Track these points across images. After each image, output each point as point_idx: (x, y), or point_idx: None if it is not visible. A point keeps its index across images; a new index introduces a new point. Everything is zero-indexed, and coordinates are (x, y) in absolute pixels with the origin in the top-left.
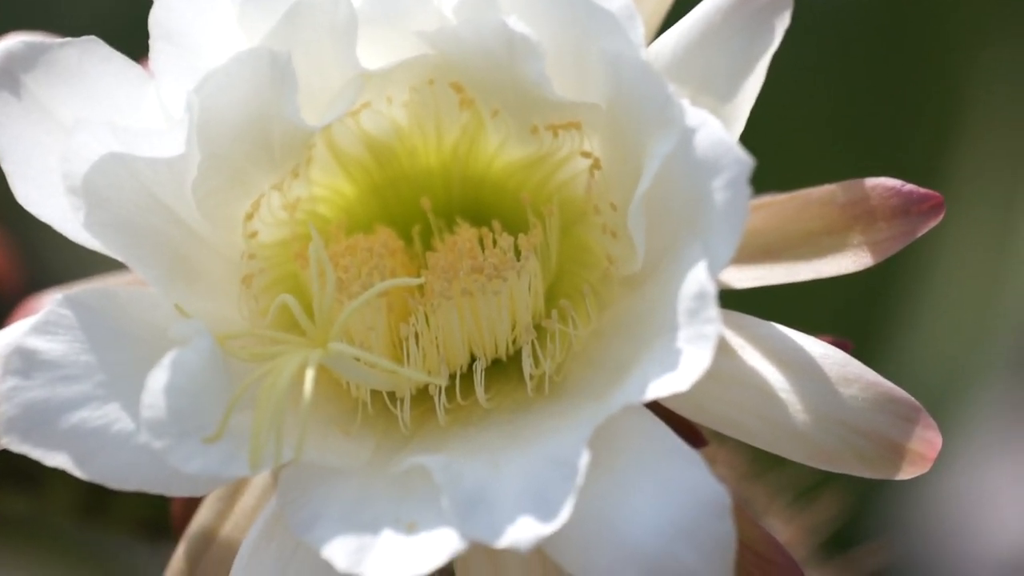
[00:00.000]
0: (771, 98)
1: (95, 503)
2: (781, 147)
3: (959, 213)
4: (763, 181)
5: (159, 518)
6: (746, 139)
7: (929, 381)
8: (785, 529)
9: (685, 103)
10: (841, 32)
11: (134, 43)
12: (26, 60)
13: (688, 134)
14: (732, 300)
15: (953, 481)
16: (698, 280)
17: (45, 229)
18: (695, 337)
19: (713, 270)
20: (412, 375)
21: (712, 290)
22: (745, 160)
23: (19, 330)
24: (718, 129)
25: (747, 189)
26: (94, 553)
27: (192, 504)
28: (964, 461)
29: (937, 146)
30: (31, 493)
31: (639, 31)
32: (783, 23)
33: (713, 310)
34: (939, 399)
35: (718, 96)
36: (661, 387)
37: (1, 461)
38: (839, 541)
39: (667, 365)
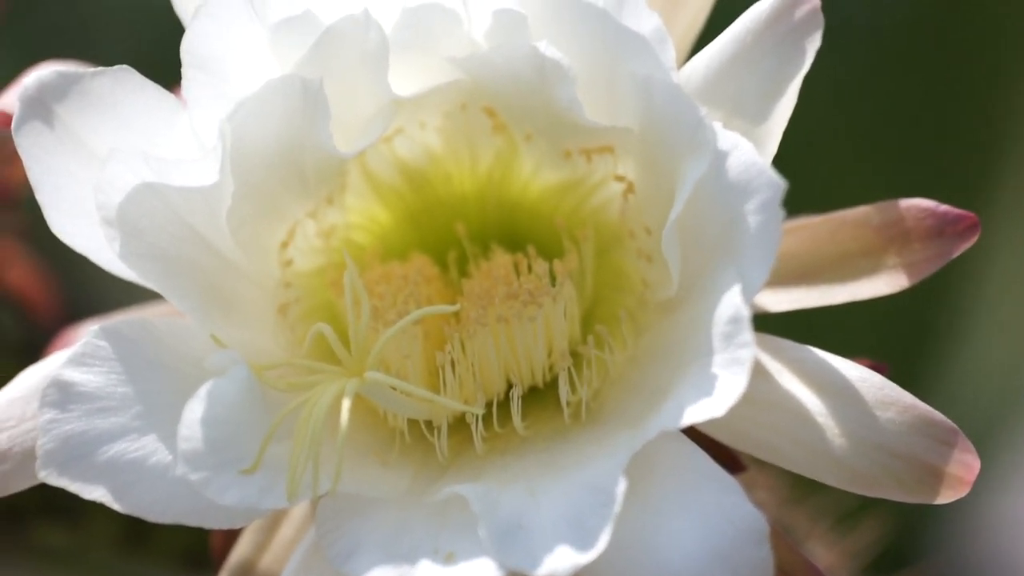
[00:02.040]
0: (808, 117)
1: (136, 535)
2: (818, 167)
3: (1007, 233)
4: (800, 201)
5: (200, 550)
6: (782, 159)
7: (977, 405)
8: (827, 554)
9: (717, 126)
10: (880, 48)
11: (169, 74)
12: (59, 90)
13: (720, 157)
14: (773, 324)
15: (998, 505)
16: (732, 304)
17: (82, 258)
18: (730, 362)
19: (747, 294)
20: (449, 404)
21: (746, 314)
22: (777, 183)
23: (56, 362)
24: (750, 152)
25: (780, 212)
26: None
27: (232, 536)
28: (1011, 485)
29: (982, 164)
30: (71, 526)
31: (670, 54)
32: (814, 44)
33: (748, 334)
34: (987, 423)
35: (750, 118)
36: (697, 413)
37: (41, 494)
38: (883, 566)
39: (703, 391)
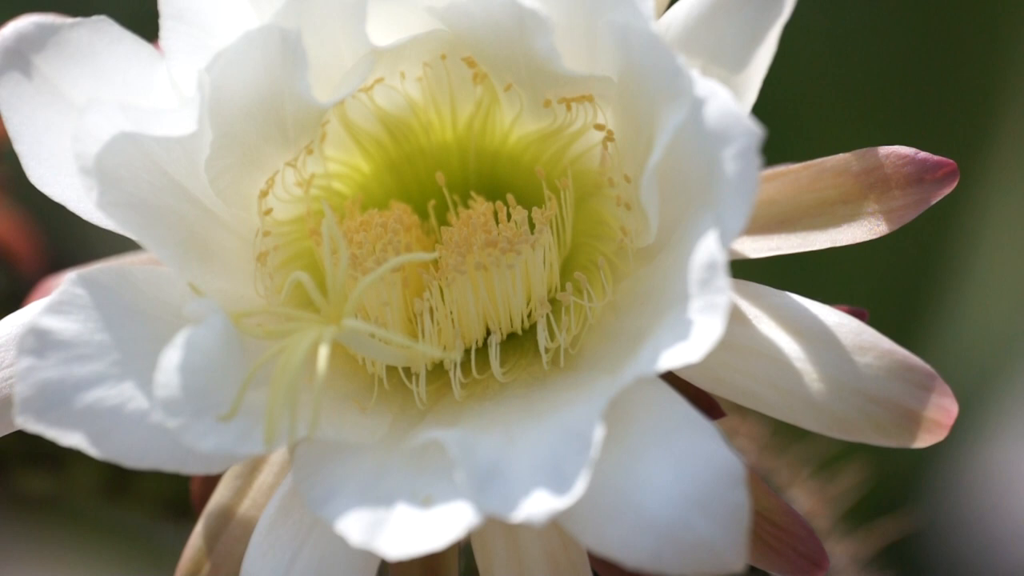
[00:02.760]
0: (803, 69)
1: (118, 483)
2: (811, 121)
3: (1003, 188)
4: (793, 152)
5: (181, 497)
6: (774, 112)
7: (972, 358)
8: (808, 501)
9: (695, 74)
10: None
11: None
12: (37, 41)
13: (698, 105)
14: (770, 278)
15: (984, 455)
16: (709, 250)
17: (64, 209)
18: (706, 307)
19: (725, 240)
20: (427, 350)
21: (722, 260)
22: (755, 130)
23: (34, 311)
24: (728, 100)
25: (757, 159)
26: (117, 532)
27: (211, 482)
28: (996, 435)
29: (979, 119)
30: (54, 474)
31: (649, 3)
32: None
33: (723, 280)
34: (978, 374)
35: (729, 67)
36: (673, 358)
37: (24, 443)
38: (864, 513)
39: (679, 336)
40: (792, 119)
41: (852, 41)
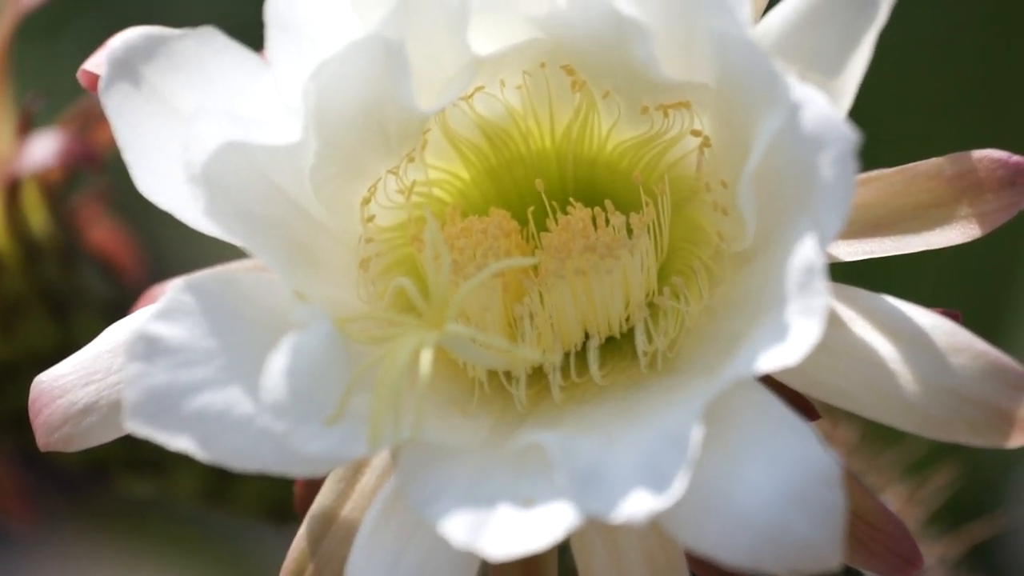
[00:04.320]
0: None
1: (220, 487)
2: (898, 122)
3: None
4: (878, 155)
5: (283, 502)
6: (862, 113)
7: None
8: (897, 503)
9: (792, 80)
10: (972, 3)
11: (250, 42)
12: (145, 52)
13: (795, 111)
14: (851, 276)
15: None
16: (807, 254)
17: (166, 220)
18: (804, 310)
19: (822, 244)
20: (527, 354)
21: (821, 263)
22: (852, 135)
23: (142, 317)
24: (825, 105)
25: (854, 164)
26: (220, 537)
27: (314, 486)
28: None
29: None
30: (156, 478)
31: (746, 10)
32: None
33: (822, 283)
34: None
35: (825, 72)
36: (771, 361)
37: (127, 448)
38: (954, 516)
39: (777, 339)
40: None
41: (927, 50)
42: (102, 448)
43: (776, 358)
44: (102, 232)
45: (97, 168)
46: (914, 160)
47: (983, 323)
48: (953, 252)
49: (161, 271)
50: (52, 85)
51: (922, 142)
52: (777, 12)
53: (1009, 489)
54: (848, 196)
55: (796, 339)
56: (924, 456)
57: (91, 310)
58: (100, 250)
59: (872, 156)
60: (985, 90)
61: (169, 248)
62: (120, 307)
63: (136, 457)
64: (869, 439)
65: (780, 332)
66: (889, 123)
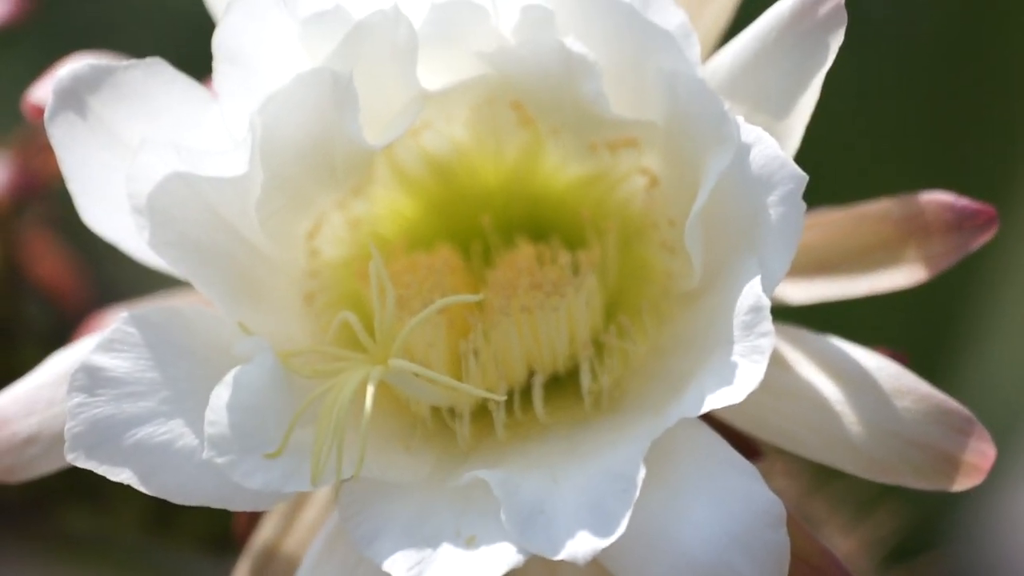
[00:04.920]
0: (833, 115)
1: (160, 518)
2: (843, 166)
3: None
4: (825, 199)
5: (223, 533)
6: (806, 157)
7: (1001, 398)
8: (845, 542)
9: (740, 120)
10: (906, 48)
11: (196, 71)
12: (92, 81)
13: (743, 150)
14: (798, 317)
15: (1018, 497)
16: (753, 294)
17: (112, 250)
18: (750, 350)
19: (768, 284)
20: (471, 391)
21: (766, 304)
22: (799, 176)
23: (85, 348)
24: (772, 145)
25: (801, 204)
26: (159, 568)
27: (255, 519)
28: None
29: (1006, 164)
30: (97, 509)
31: (695, 49)
32: (837, 40)
33: (767, 324)
34: (1010, 416)
35: (773, 113)
36: (716, 400)
37: (67, 477)
38: (901, 554)
39: (722, 378)
40: (822, 168)
41: (880, 90)
42: (44, 478)
43: (720, 398)
44: (47, 262)
45: (43, 196)
46: (861, 200)
47: (921, 364)
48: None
49: (108, 298)
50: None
51: (869, 180)
52: (726, 52)
53: (956, 527)
54: (796, 237)
55: (741, 379)
56: (872, 493)
57: (34, 341)
58: (44, 278)
59: (819, 194)
60: (933, 128)
61: (117, 275)
62: (63, 336)
63: (76, 486)
64: (816, 477)
65: (725, 372)
66: (835, 161)
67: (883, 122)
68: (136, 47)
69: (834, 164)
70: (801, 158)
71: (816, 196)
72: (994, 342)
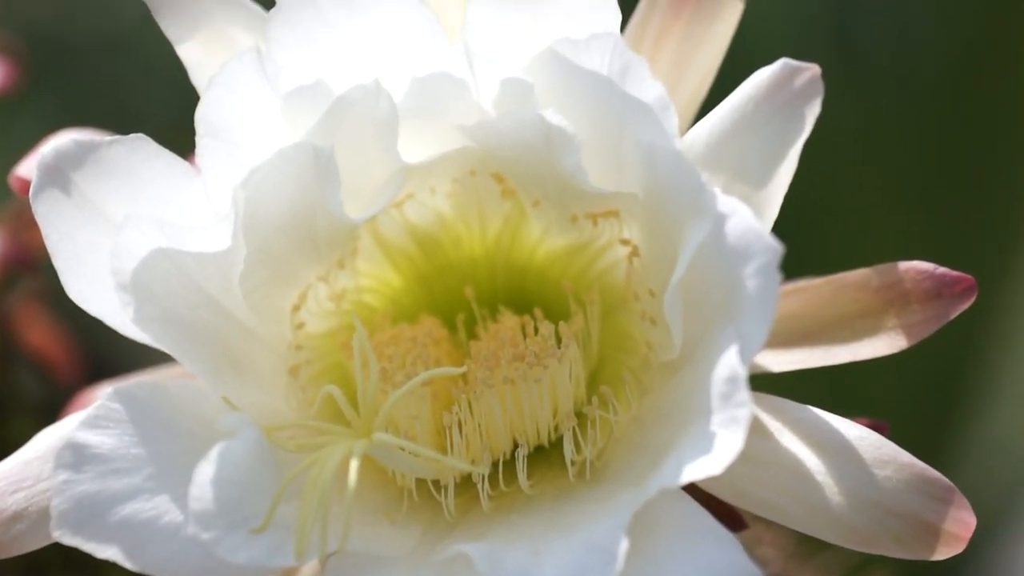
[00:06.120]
0: (838, 168)
1: None
2: (850, 207)
3: None
4: (831, 241)
5: None
6: (813, 199)
7: (1001, 468)
8: None
9: (717, 192)
10: (910, 100)
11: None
12: (76, 158)
13: (720, 222)
14: (792, 385)
15: (1012, 565)
16: (730, 365)
17: (102, 321)
18: (728, 421)
19: (746, 355)
20: (455, 464)
21: (743, 374)
22: (775, 247)
23: (71, 424)
24: (749, 217)
25: (777, 275)
26: None
27: None
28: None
29: (1014, 218)
30: None
31: (673, 121)
32: (813, 111)
33: (744, 394)
34: (1012, 485)
35: (751, 184)
36: (695, 471)
37: (56, 550)
38: None
39: (701, 449)
40: (822, 219)
41: (885, 136)
42: (38, 550)
43: (700, 469)
44: (38, 333)
45: (33, 269)
46: (858, 252)
47: (920, 431)
48: (891, 359)
49: (100, 370)
50: (7, 167)
51: (876, 226)
52: (704, 124)
53: None
54: (772, 308)
55: (720, 449)
56: (859, 560)
57: (25, 413)
58: (36, 350)
59: (808, 252)
60: (938, 175)
61: (109, 347)
62: (55, 409)
63: (70, 558)
64: (804, 543)
65: (704, 442)
66: (842, 207)
67: (888, 168)
68: (147, 105)
69: (840, 210)
70: (807, 204)
71: (823, 243)
72: (996, 409)
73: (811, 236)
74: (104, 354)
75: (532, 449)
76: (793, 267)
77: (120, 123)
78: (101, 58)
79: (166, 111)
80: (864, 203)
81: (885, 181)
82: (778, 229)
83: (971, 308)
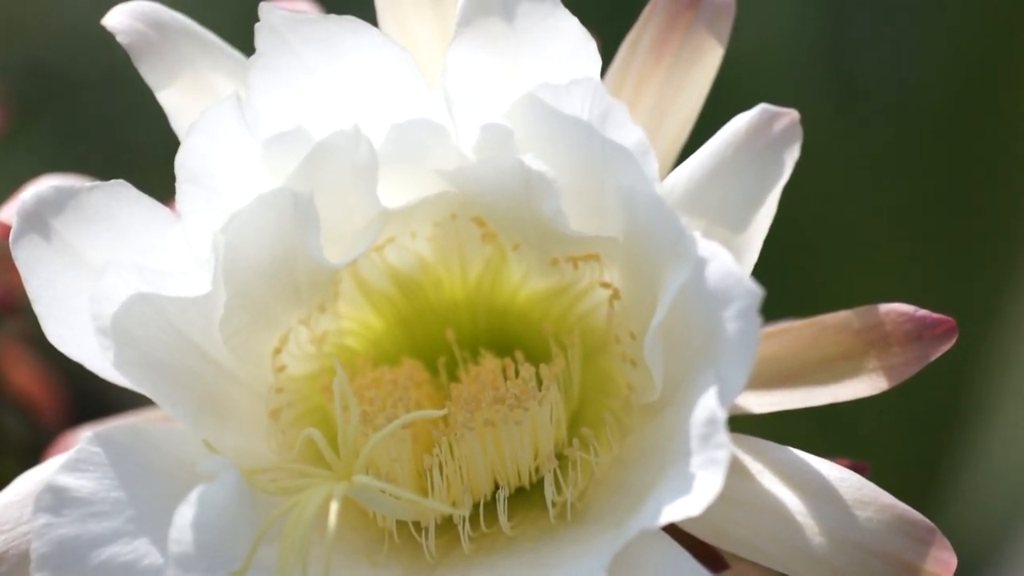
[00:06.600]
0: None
1: None
2: (845, 240)
3: None
4: (826, 274)
5: None
6: (808, 231)
7: (994, 512)
8: None
9: (697, 236)
10: (908, 121)
11: None
12: (55, 204)
13: (700, 266)
14: (782, 423)
15: None
16: (709, 407)
17: None
18: (707, 462)
19: (726, 397)
20: (436, 507)
21: (722, 416)
22: (755, 291)
23: (51, 467)
24: (729, 261)
25: (757, 319)
26: None
27: None
28: None
29: (1011, 239)
30: None
31: (653, 166)
32: (793, 156)
33: (723, 436)
34: (1004, 529)
35: (731, 228)
36: (674, 512)
37: None
38: None
39: (680, 490)
40: (816, 252)
41: (881, 167)
42: None
43: (679, 510)
44: (22, 375)
45: (16, 310)
46: (858, 280)
47: (912, 471)
48: (882, 398)
49: (85, 411)
50: (5, 196)
51: (872, 259)
52: (684, 168)
53: None
54: (752, 350)
55: (699, 491)
56: None
57: (9, 454)
58: (19, 392)
59: (821, 274)
60: (935, 206)
61: (91, 388)
62: (39, 451)
63: None
64: None
65: (684, 484)
66: (837, 241)
67: (883, 202)
68: (143, 139)
69: (835, 243)
70: (803, 237)
71: (818, 275)
72: (990, 448)
73: (805, 270)
74: (90, 392)
75: (513, 491)
76: (789, 300)
77: (116, 157)
78: (98, 92)
79: (162, 145)
80: (859, 237)
81: (880, 215)
82: (771, 262)
83: (964, 343)
